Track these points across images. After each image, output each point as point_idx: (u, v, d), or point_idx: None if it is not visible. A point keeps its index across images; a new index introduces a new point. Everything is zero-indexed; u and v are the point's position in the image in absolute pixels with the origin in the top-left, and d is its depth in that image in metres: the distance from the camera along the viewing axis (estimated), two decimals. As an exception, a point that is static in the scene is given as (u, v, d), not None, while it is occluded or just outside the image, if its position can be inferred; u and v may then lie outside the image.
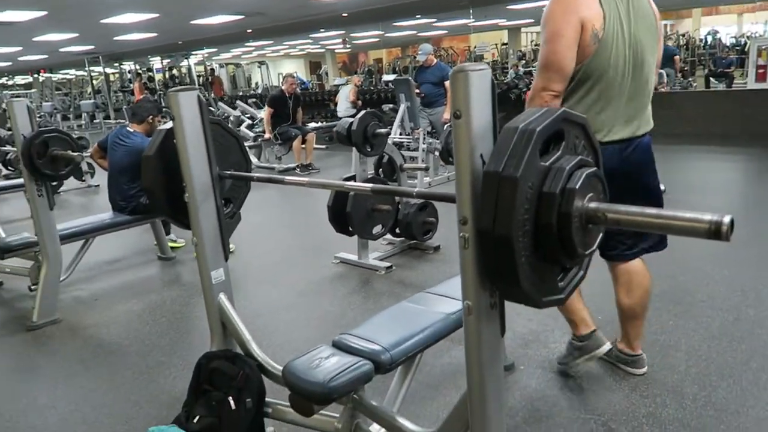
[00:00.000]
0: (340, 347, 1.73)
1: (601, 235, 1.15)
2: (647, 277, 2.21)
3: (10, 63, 19.23)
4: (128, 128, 4.06)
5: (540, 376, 2.38)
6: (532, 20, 17.36)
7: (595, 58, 1.88)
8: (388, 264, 3.77)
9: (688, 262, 3.40)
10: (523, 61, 16.96)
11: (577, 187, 1.04)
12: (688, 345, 2.52)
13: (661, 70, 10.09)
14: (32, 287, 3.42)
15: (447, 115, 6.64)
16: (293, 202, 5.97)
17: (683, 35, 15.31)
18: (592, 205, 1.07)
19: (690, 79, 11.89)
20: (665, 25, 18.28)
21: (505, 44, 18.91)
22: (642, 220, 1.02)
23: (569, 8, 1.83)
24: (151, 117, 4.05)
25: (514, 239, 1.00)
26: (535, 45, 19.31)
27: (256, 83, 21.85)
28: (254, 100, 11.82)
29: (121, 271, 4.20)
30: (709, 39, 15.18)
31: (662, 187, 2.08)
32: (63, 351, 2.92)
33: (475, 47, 17.66)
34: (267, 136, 7.84)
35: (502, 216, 1.00)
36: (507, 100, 9.48)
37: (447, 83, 6.66)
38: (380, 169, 4.39)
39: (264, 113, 8.07)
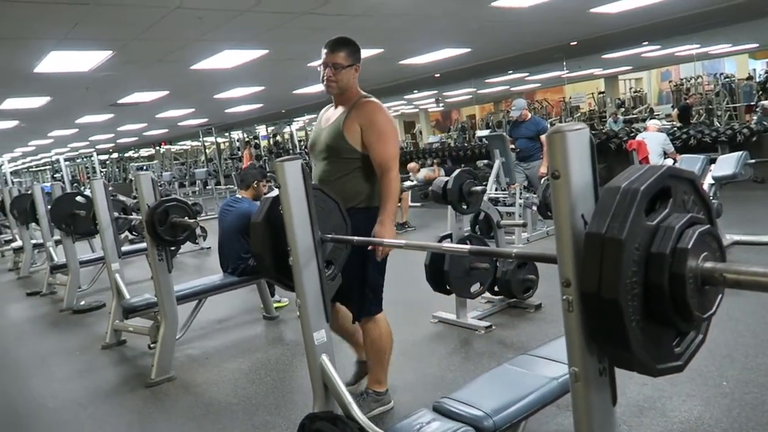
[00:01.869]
0: (442, 412, 1.70)
1: (720, 296, 1.08)
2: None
3: (136, 138, 21.43)
4: (237, 195, 4.38)
5: (660, 447, 2.18)
6: (630, 67, 16.92)
7: None
8: (487, 323, 3.68)
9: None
10: (623, 109, 16.46)
11: (689, 246, 0.99)
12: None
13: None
14: (151, 345, 3.67)
15: (544, 169, 6.53)
16: (389, 260, 6.02)
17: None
18: (708, 265, 1.00)
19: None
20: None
21: (602, 93, 18.49)
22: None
23: (390, 116, 2.55)
24: (256, 182, 4.33)
25: (622, 303, 0.96)
26: (634, 92, 18.74)
27: (353, 145, 22.65)
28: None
29: (229, 330, 4.41)
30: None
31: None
32: (177, 408, 3.08)
33: (570, 98, 17.41)
34: None
35: (608, 279, 0.97)
36: (607, 150, 9.18)
37: (543, 137, 6.58)
38: (477, 226, 4.36)
39: None
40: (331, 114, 2.60)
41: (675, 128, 9.41)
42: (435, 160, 11.12)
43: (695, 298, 1.00)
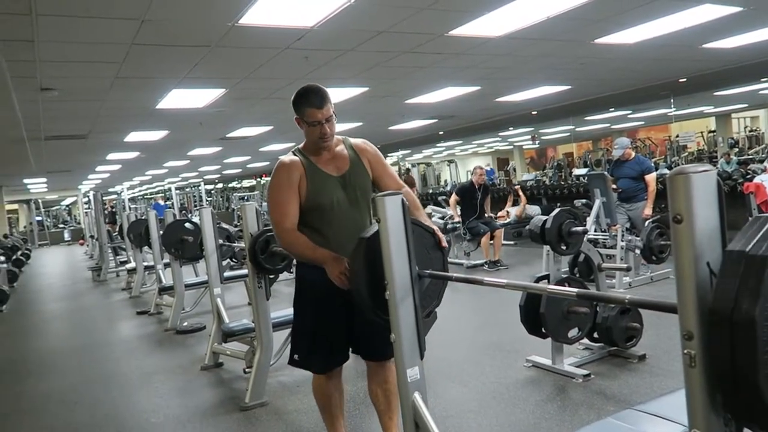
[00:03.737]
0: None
1: None
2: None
3: (240, 170, 22.69)
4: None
5: None
6: (745, 105, 15.86)
7: None
8: (585, 372, 3.48)
9: None
10: (736, 149, 15.39)
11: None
12: None
13: None
14: (246, 370, 3.78)
15: (648, 211, 6.19)
16: (481, 298, 5.91)
17: None
18: None
19: None
20: None
21: (712, 132, 17.40)
22: None
23: None
24: None
25: (760, 374, 0.86)
26: (750, 131, 17.50)
27: (445, 180, 22.75)
28: (444, 197, 12.26)
29: (320, 360, 4.45)
30: None
31: None
32: (268, 433, 3.14)
33: (677, 137, 16.52)
34: (456, 219, 8.00)
35: (742, 344, 0.88)
36: (719, 193, 8.56)
37: (647, 177, 6.26)
38: (575, 268, 4.19)
39: (450, 201, 8.34)
40: (324, 159, 2.42)
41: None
42: (519, 195, 10.41)
43: None
